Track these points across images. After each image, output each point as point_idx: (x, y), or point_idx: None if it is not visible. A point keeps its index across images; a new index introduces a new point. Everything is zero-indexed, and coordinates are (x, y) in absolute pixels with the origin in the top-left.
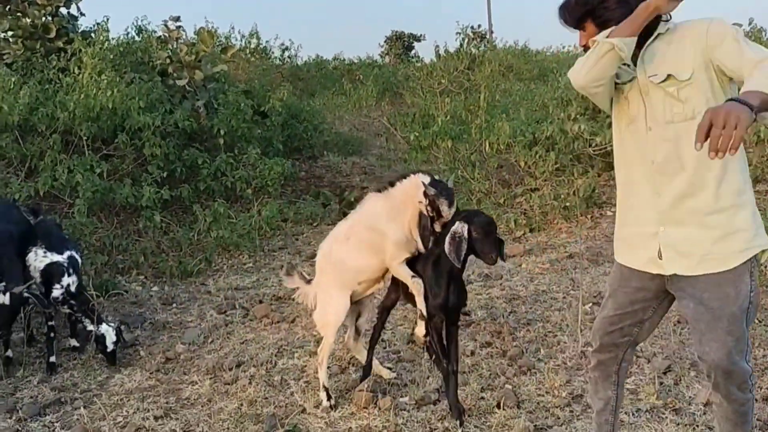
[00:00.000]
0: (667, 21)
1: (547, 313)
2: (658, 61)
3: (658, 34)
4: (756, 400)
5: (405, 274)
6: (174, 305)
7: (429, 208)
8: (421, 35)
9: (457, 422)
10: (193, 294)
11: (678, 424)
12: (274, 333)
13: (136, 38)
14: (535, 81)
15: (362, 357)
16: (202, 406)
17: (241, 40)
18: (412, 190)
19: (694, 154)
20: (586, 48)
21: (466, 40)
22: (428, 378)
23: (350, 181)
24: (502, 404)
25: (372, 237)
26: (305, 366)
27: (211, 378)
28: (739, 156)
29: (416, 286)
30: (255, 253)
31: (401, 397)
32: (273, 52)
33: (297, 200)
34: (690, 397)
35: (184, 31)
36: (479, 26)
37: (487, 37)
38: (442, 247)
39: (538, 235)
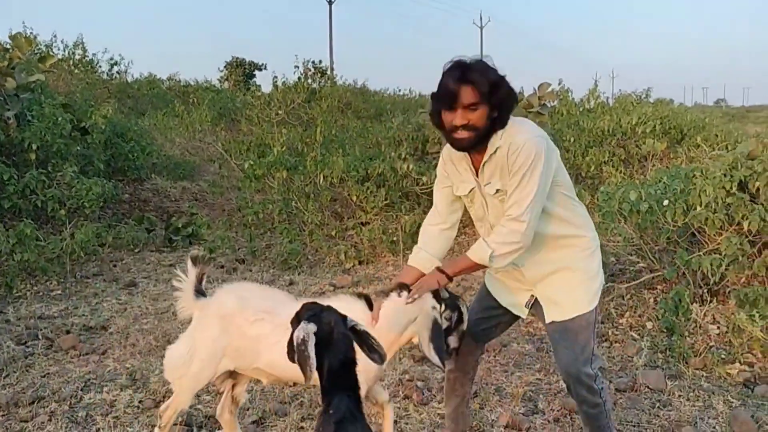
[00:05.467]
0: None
1: None
2: (493, 175)
3: (497, 149)
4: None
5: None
6: None
7: (446, 313)
8: (262, 64)
9: None
10: None
11: None
12: (81, 366)
13: None
14: (371, 119)
15: None
16: None
17: (64, 50)
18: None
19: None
20: (462, 126)
21: (306, 74)
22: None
23: (179, 206)
24: None
25: None
26: (115, 401)
27: (3, 415)
28: (565, 206)
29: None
30: (65, 279)
31: None
32: (100, 66)
33: (118, 224)
34: (493, 420)
35: None
36: (320, 62)
37: (328, 73)
38: None
39: (367, 268)
